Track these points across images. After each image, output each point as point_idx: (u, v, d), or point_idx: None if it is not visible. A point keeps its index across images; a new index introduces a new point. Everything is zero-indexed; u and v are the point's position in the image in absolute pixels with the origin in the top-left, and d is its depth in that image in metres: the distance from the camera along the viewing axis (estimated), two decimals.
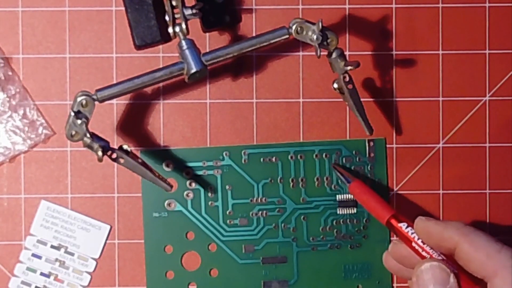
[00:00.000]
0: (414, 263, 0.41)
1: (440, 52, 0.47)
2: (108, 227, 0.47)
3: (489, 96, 0.47)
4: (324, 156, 0.47)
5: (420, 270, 0.39)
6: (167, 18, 0.42)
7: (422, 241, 0.41)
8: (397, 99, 0.47)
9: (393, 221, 0.42)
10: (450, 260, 0.40)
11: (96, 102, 0.42)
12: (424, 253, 0.40)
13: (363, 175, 0.47)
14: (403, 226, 0.42)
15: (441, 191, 0.47)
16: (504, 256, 0.37)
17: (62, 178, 0.47)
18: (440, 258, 0.40)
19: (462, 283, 0.38)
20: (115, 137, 0.47)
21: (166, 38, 0.45)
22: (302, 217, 0.47)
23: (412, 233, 0.41)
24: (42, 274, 0.46)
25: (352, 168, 0.47)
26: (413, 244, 0.41)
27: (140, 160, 0.43)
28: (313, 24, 0.42)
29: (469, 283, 0.39)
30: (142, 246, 0.47)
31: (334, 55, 0.43)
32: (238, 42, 0.43)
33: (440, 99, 0.47)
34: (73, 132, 0.41)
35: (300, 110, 0.47)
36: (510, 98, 0.47)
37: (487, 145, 0.47)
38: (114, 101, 0.46)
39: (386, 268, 0.45)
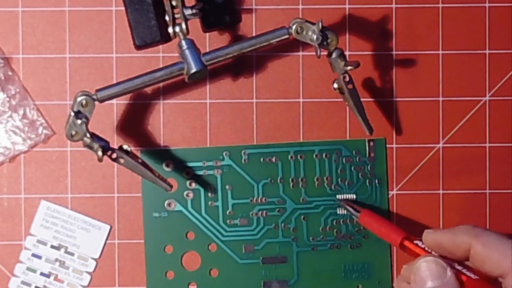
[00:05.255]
0: None
1: (440, 52, 0.47)
2: (108, 227, 0.47)
3: (489, 96, 0.47)
4: (324, 156, 0.47)
5: (417, 267, 0.39)
6: (167, 18, 0.42)
7: (439, 255, 0.40)
8: (397, 99, 0.47)
9: (407, 243, 0.42)
10: (466, 267, 0.39)
11: (96, 102, 0.42)
12: None
13: (363, 176, 0.47)
14: (418, 243, 0.41)
15: (441, 191, 0.47)
16: None
17: (62, 178, 0.47)
18: (438, 255, 0.40)
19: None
20: (115, 137, 0.47)
21: (166, 38, 0.45)
22: (302, 217, 0.47)
23: (428, 249, 0.41)
24: (42, 274, 0.46)
25: (352, 168, 0.47)
26: None
27: (140, 160, 0.43)
28: (313, 24, 0.42)
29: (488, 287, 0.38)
30: (142, 246, 0.47)
31: (334, 55, 0.43)
32: (238, 42, 0.43)
33: (440, 99, 0.47)
34: (73, 132, 0.41)
35: (300, 110, 0.47)
36: (510, 98, 0.47)
37: (487, 145, 0.47)
38: (114, 101, 0.46)
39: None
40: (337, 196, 0.47)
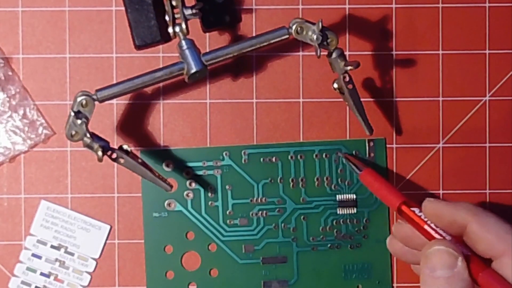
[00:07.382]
0: (419, 244, 0.41)
1: (440, 52, 0.47)
2: (108, 227, 0.47)
3: (489, 96, 0.47)
4: (324, 156, 0.47)
5: (429, 252, 0.39)
6: (167, 18, 0.42)
7: (435, 224, 0.40)
8: (397, 99, 0.47)
9: (404, 207, 0.42)
10: (459, 241, 0.40)
11: (96, 102, 0.42)
12: (437, 236, 0.40)
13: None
14: (415, 210, 0.41)
15: (441, 191, 0.47)
16: None
17: (62, 178, 0.47)
18: (450, 240, 0.40)
19: (472, 265, 0.38)
20: (115, 137, 0.47)
21: (166, 38, 0.45)
22: (302, 217, 0.47)
23: (424, 218, 0.41)
24: (42, 274, 0.46)
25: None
26: (426, 227, 0.41)
27: (140, 160, 0.43)
28: (313, 24, 0.42)
29: (480, 265, 0.38)
30: (142, 246, 0.47)
31: (334, 55, 0.43)
32: (238, 42, 0.43)
33: (440, 99, 0.47)
34: (73, 132, 0.41)
35: (300, 110, 0.47)
36: (510, 98, 0.47)
37: (487, 145, 0.47)
38: (114, 101, 0.46)
39: (390, 251, 0.45)
40: (340, 153, 0.47)
